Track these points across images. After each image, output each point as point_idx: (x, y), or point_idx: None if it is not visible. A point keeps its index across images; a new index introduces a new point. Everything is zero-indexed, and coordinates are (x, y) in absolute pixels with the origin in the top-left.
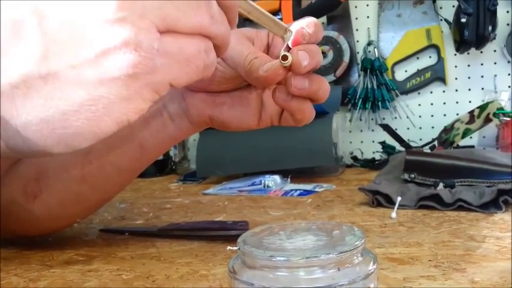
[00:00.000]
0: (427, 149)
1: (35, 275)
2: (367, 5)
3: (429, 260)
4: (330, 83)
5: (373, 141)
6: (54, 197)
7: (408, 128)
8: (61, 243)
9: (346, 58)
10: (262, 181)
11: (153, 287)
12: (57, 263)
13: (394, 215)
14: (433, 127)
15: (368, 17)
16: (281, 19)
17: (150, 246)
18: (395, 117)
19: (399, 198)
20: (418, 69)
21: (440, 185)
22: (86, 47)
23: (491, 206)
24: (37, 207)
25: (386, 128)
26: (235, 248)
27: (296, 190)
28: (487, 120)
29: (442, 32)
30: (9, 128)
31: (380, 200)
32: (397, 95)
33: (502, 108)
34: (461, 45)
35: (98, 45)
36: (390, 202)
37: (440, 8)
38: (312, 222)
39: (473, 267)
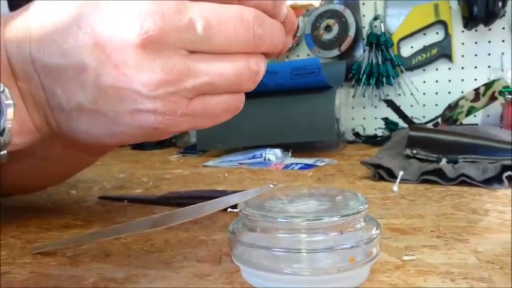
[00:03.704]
0: (430, 126)
1: (33, 237)
2: None
3: (431, 231)
4: (334, 57)
5: (376, 118)
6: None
7: (412, 105)
8: (59, 209)
9: (352, 32)
10: (263, 154)
11: (151, 250)
12: (55, 227)
13: (396, 188)
14: (437, 105)
15: None
16: None
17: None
18: (399, 94)
19: (401, 172)
20: (424, 46)
21: (443, 161)
22: (125, 103)
23: (494, 181)
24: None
25: (390, 103)
26: (236, 210)
27: (297, 164)
28: (492, 98)
29: (451, 7)
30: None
31: (382, 174)
32: (402, 71)
33: (508, 87)
34: (470, 22)
35: (134, 106)
36: (392, 176)
37: None
38: (315, 188)
39: (476, 238)
